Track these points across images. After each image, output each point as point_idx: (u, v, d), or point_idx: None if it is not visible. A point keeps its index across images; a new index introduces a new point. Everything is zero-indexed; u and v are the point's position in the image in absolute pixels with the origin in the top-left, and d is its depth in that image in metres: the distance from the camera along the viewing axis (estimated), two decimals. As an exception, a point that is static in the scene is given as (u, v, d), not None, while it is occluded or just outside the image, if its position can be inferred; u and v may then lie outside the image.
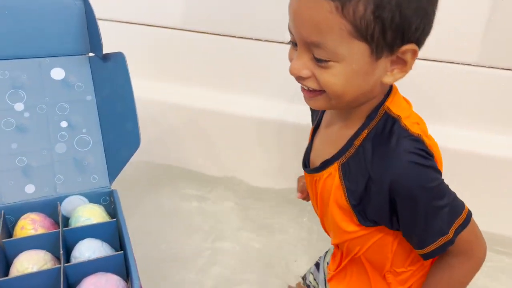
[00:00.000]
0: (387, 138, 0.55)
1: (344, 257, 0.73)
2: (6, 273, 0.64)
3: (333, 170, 0.60)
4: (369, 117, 0.57)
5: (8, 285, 0.59)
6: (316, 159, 0.66)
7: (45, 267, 0.64)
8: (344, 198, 0.60)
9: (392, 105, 0.57)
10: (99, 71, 0.84)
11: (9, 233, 0.72)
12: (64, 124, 0.81)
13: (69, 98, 0.82)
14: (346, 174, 0.59)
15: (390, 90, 0.58)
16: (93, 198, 0.79)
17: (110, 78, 0.82)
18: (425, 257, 0.60)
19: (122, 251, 0.65)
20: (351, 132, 0.59)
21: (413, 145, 0.54)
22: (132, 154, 0.77)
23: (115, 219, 0.72)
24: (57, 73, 0.83)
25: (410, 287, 0.71)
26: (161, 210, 1.22)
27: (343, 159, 0.59)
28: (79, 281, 0.62)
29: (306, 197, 0.87)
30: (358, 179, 0.58)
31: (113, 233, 0.72)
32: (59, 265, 0.62)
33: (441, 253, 0.59)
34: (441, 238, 0.57)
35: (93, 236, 0.69)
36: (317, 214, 0.74)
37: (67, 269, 0.62)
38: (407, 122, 0.55)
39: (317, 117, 0.70)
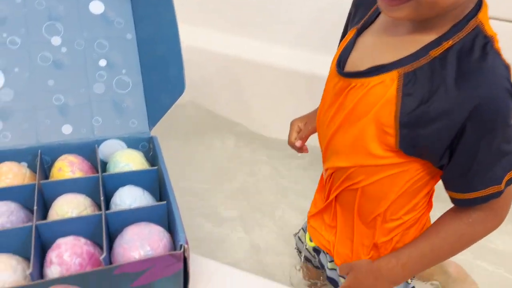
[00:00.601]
0: (480, 56, 0.49)
1: (334, 189, 0.68)
2: (45, 215, 0.61)
3: (389, 79, 0.54)
4: (456, 27, 0.50)
5: (47, 229, 0.57)
6: (360, 63, 0.58)
7: (85, 212, 0.60)
8: (393, 114, 0.54)
9: (485, 21, 0.50)
10: (141, 7, 0.78)
11: (45, 174, 0.69)
12: (102, 62, 0.76)
13: (108, 35, 0.77)
14: (409, 86, 0.52)
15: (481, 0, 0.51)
16: (131, 143, 0.75)
17: (153, 17, 0.76)
18: (460, 203, 0.56)
19: (165, 202, 0.61)
20: (426, 39, 0.52)
21: (507, 73, 0.49)
22: (174, 101, 0.72)
23: (156, 167, 0.68)
24: (96, 7, 0.77)
25: (392, 239, 0.68)
26: (195, 161, 1.19)
27: (409, 67, 0.52)
28: (119, 229, 0.59)
29: (303, 147, 0.82)
30: (423, 95, 0.52)
31: (154, 181, 0.68)
32: (100, 212, 0.59)
33: (481, 203, 0.54)
34: (493, 187, 0.53)
35: (133, 183, 0.66)
36: (320, 127, 0.68)
37: (108, 216, 0.59)
38: (498, 47, 0.50)
39: (365, 16, 0.62)
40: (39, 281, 0.49)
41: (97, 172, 0.67)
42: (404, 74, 0.53)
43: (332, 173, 0.68)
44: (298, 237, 0.91)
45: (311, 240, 0.81)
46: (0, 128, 0.69)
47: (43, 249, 0.57)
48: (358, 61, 0.60)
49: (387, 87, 0.54)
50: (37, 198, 0.60)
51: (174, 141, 1.16)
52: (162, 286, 0.56)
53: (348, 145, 0.62)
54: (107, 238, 0.55)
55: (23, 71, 0.71)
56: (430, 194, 0.67)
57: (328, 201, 0.71)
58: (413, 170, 0.60)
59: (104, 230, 0.56)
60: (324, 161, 0.71)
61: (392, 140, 0.56)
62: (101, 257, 0.52)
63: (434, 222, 0.63)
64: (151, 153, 0.76)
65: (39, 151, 0.68)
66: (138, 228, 0.57)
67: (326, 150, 0.68)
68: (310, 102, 0.85)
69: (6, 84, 0.71)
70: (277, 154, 1.24)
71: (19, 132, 0.70)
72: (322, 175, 0.79)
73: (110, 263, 0.56)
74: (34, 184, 0.62)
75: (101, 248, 0.58)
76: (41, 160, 0.67)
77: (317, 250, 0.82)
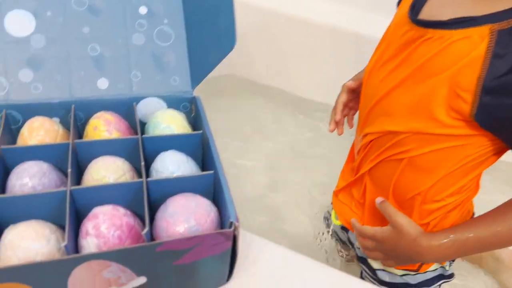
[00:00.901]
0: None
1: (370, 160, 0.61)
2: (79, 179, 0.56)
3: (478, 35, 0.46)
4: None
5: (83, 195, 0.51)
6: (440, 11, 0.51)
7: (123, 178, 0.54)
8: (475, 77, 0.47)
9: None
10: None
11: (79, 132, 0.63)
12: (143, 10, 0.67)
13: (149, -21, 0.68)
14: (502, 46, 0.45)
15: None
16: (172, 103, 0.67)
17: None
18: None
19: (212, 171, 0.54)
20: None
21: None
22: (222, 57, 0.64)
23: (201, 131, 0.61)
24: None
25: (429, 223, 0.61)
26: (232, 125, 1.12)
27: (504, 24, 0.45)
28: (160, 199, 0.53)
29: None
30: None
31: (197, 147, 0.62)
32: (140, 179, 0.52)
33: None
34: None
35: (175, 148, 0.59)
36: (369, 84, 0.60)
37: (149, 184, 0.52)
38: None
39: None
40: (76, 255, 0.43)
41: (136, 133, 0.61)
42: (498, 31, 0.45)
43: (372, 140, 0.60)
44: (328, 211, 0.84)
45: (336, 218, 0.74)
46: (31, 78, 0.62)
47: (77, 217, 0.51)
48: (437, 9, 0.51)
49: (474, 44, 0.46)
50: (71, 159, 0.53)
51: (210, 105, 1.08)
52: (207, 265, 0.50)
53: (408, 106, 0.54)
54: (148, 209, 0.49)
55: (56, 15, 0.64)
56: (479, 175, 0.60)
57: (359, 174, 0.64)
58: (475, 146, 0.53)
59: (145, 200, 0.49)
60: (364, 126, 0.63)
61: (466, 107, 0.49)
62: (143, 232, 0.46)
63: (498, 207, 0.56)
64: (193, 115, 0.69)
65: (73, 106, 0.62)
66: (183, 200, 0.51)
67: (371, 112, 0.60)
68: (357, 66, 0.77)
69: (37, 30, 0.63)
70: (319, 117, 1.16)
71: (51, 84, 0.63)
72: (353, 145, 0.72)
73: (152, 238, 0.50)
74: (68, 144, 0.56)
75: (140, 219, 0.52)
76: (74, 116, 0.61)
77: (345, 228, 0.76)
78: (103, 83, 0.65)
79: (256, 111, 1.17)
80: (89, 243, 0.47)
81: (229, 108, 1.17)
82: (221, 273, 0.53)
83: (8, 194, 0.51)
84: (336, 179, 0.74)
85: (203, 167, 0.62)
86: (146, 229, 0.46)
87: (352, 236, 0.74)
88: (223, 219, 0.51)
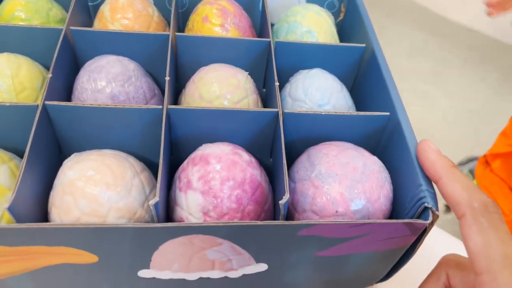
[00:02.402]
0: None
1: None
2: (176, 97, 0.37)
3: None
4: None
5: (184, 121, 0.32)
6: None
7: (245, 102, 0.35)
8: None
9: None
10: None
11: (179, 23, 0.43)
12: None
13: None
14: None
15: None
16: (313, -3, 0.46)
17: None
18: None
19: (388, 113, 0.33)
20: None
21: None
22: None
23: (362, 44, 0.39)
24: None
25: None
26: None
27: None
28: (298, 145, 0.34)
29: None
30: None
31: (353, 70, 0.40)
32: (273, 109, 0.33)
33: None
34: None
35: (317, 66, 0.39)
36: None
37: (286, 117, 0.33)
38: None
39: None
40: (173, 225, 0.25)
41: (264, 34, 0.40)
42: None
43: None
44: None
45: None
46: None
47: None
48: None
49: None
50: (169, 60, 0.34)
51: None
52: (363, 261, 0.31)
53: None
54: (285, 159, 0.29)
55: None
56: None
57: None
58: None
59: (282, 142, 0.30)
60: None
61: None
62: (283, 201, 0.27)
63: None
64: (339, 19, 0.47)
65: (175, -17, 0.42)
66: (342, 155, 0.31)
67: None
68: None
69: None
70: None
71: None
72: None
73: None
74: (167, 36, 0.36)
75: (268, 174, 0.33)
76: (177, 3, 0.41)
77: None
78: (220, -46, 0.43)
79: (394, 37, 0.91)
80: (190, 201, 0.29)
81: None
82: (379, 272, 0.34)
83: (75, 101, 0.34)
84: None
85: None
86: (286, 197, 0.27)
87: None
88: (401, 195, 0.31)
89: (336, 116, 0.33)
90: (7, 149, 0.32)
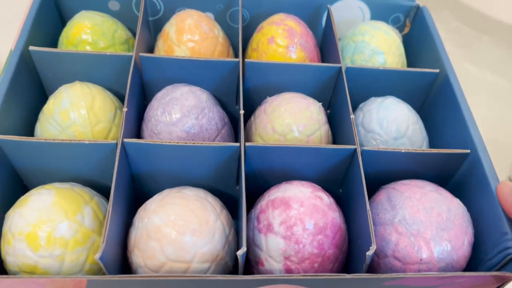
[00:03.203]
0: None
1: None
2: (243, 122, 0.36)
3: None
4: None
5: (258, 157, 0.32)
6: None
7: (317, 135, 0.34)
8: None
9: None
10: None
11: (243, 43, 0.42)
12: None
13: None
14: None
15: None
16: (378, 10, 0.44)
17: None
18: None
19: (467, 150, 0.32)
20: None
21: None
22: None
23: (436, 70, 0.38)
24: None
25: None
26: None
27: None
28: (376, 182, 0.33)
29: None
30: None
31: (421, 95, 0.39)
32: (351, 146, 0.32)
33: None
34: None
35: (393, 94, 0.37)
36: None
37: (363, 155, 0.32)
38: None
39: None
40: (260, 277, 0.25)
41: (333, 56, 0.39)
42: None
43: None
44: None
45: None
46: None
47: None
48: None
49: None
50: (240, 90, 0.34)
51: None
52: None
53: None
54: (368, 205, 0.29)
55: None
56: None
57: None
58: None
59: (364, 184, 0.29)
60: None
61: None
62: (370, 252, 0.27)
63: None
64: (404, 33, 0.45)
65: (239, 0, 0.41)
66: (427, 201, 0.30)
67: None
68: None
69: None
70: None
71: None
72: None
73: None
74: (237, 63, 0.36)
75: (345, 215, 0.33)
76: (241, 15, 0.40)
77: None
78: (284, -33, 0.42)
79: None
80: (270, 245, 0.29)
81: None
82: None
83: (148, 132, 0.33)
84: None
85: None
86: (373, 248, 0.27)
87: None
88: (483, 239, 0.30)
89: (417, 154, 0.32)
90: (85, 183, 0.32)
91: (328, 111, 0.40)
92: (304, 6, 0.43)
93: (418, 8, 0.42)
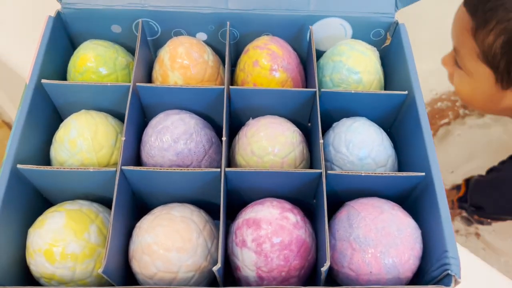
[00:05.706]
0: None
1: None
2: (228, 142, 0.41)
3: None
4: None
5: (238, 181, 0.37)
6: None
7: (291, 156, 0.39)
8: None
9: None
10: None
11: (230, 60, 0.46)
12: None
13: None
14: None
15: None
16: (359, 27, 0.47)
17: None
18: None
19: (422, 173, 0.37)
20: None
21: None
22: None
23: (404, 91, 0.41)
24: None
25: None
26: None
27: None
28: (339, 200, 0.38)
29: None
30: None
31: (391, 115, 0.43)
32: (317, 170, 0.37)
33: None
34: None
35: (363, 115, 0.41)
36: None
37: (328, 178, 0.37)
38: None
39: None
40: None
41: (303, 72, 0.43)
42: None
43: None
44: None
45: None
46: (175, -26, 0.45)
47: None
48: None
49: None
50: (226, 117, 0.38)
51: None
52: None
53: None
54: (327, 227, 0.34)
55: None
56: None
57: None
58: None
59: (325, 203, 0.34)
60: None
61: None
62: (324, 268, 0.32)
63: None
64: (383, 46, 0.48)
65: (228, 22, 0.44)
66: (380, 217, 0.35)
67: None
68: None
69: None
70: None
71: (200, -16, 0.45)
72: None
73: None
74: (221, 90, 0.40)
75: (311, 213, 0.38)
76: (229, 36, 0.44)
77: None
78: (268, -9, 0.45)
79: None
80: (244, 257, 0.35)
81: None
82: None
83: (145, 155, 0.39)
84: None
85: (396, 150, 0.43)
86: (327, 264, 0.32)
87: None
88: (429, 253, 0.35)
89: (376, 177, 0.36)
90: (93, 199, 0.38)
91: (309, 124, 0.45)
92: (290, 25, 0.46)
93: (397, 24, 0.45)
